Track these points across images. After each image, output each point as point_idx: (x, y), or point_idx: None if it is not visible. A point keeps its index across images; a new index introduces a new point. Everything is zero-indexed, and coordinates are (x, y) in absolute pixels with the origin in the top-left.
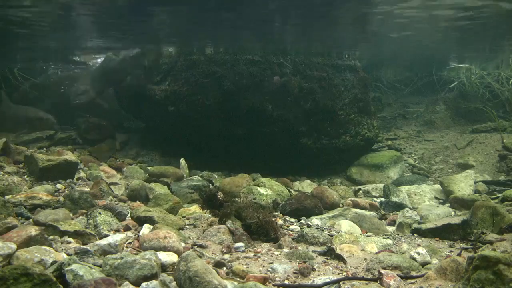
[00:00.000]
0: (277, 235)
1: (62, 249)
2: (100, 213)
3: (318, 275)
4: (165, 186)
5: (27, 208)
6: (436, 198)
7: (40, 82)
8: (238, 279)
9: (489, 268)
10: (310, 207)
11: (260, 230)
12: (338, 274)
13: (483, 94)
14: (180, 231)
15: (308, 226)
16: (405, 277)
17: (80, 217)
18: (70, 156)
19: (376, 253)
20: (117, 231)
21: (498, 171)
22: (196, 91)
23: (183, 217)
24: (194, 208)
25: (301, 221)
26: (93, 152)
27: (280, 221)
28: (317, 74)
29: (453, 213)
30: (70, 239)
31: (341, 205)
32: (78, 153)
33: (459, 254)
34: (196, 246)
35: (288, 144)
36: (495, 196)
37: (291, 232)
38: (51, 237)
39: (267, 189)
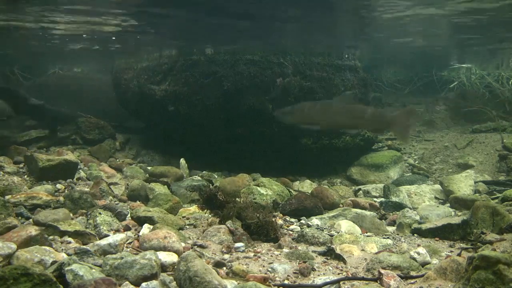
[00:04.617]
0: (277, 235)
1: (62, 249)
2: (100, 213)
3: (318, 275)
4: (165, 186)
5: (27, 208)
6: (436, 198)
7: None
8: (238, 279)
9: (489, 268)
10: (310, 207)
11: (260, 230)
12: (338, 274)
13: (483, 94)
14: (180, 231)
15: (308, 226)
16: (405, 277)
17: (80, 217)
18: (70, 156)
19: (376, 253)
20: (117, 231)
21: (498, 171)
22: (196, 91)
23: (183, 217)
24: (194, 208)
25: (301, 221)
26: (93, 152)
27: (280, 221)
28: (317, 74)
29: (453, 213)
30: (70, 239)
31: (341, 205)
32: (78, 153)
33: (459, 254)
34: (196, 246)
35: (288, 144)
36: (495, 196)
37: (291, 232)
38: (51, 237)
39: (267, 189)
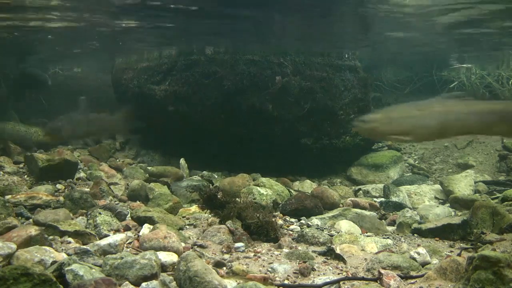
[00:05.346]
0: (277, 235)
1: (62, 249)
2: (100, 213)
3: (318, 275)
4: (165, 186)
5: (27, 208)
6: (436, 198)
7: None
8: (238, 279)
9: (489, 268)
10: (310, 207)
11: (260, 230)
12: (338, 274)
13: (483, 94)
14: (180, 231)
15: (308, 226)
16: (405, 277)
17: (80, 217)
18: (70, 156)
19: (376, 253)
20: (117, 231)
21: (498, 171)
22: (196, 91)
23: (183, 217)
24: (194, 208)
25: (301, 221)
26: (93, 152)
27: (280, 221)
28: (317, 74)
29: (453, 213)
30: (70, 239)
31: (341, 205)
32: (78, 153)
33: (459, 254)
34: (196, 246)
35: (288, 144)
36: (495, 196)
37: (291, 232)
38: (51, 237)
39: (267, 189)
